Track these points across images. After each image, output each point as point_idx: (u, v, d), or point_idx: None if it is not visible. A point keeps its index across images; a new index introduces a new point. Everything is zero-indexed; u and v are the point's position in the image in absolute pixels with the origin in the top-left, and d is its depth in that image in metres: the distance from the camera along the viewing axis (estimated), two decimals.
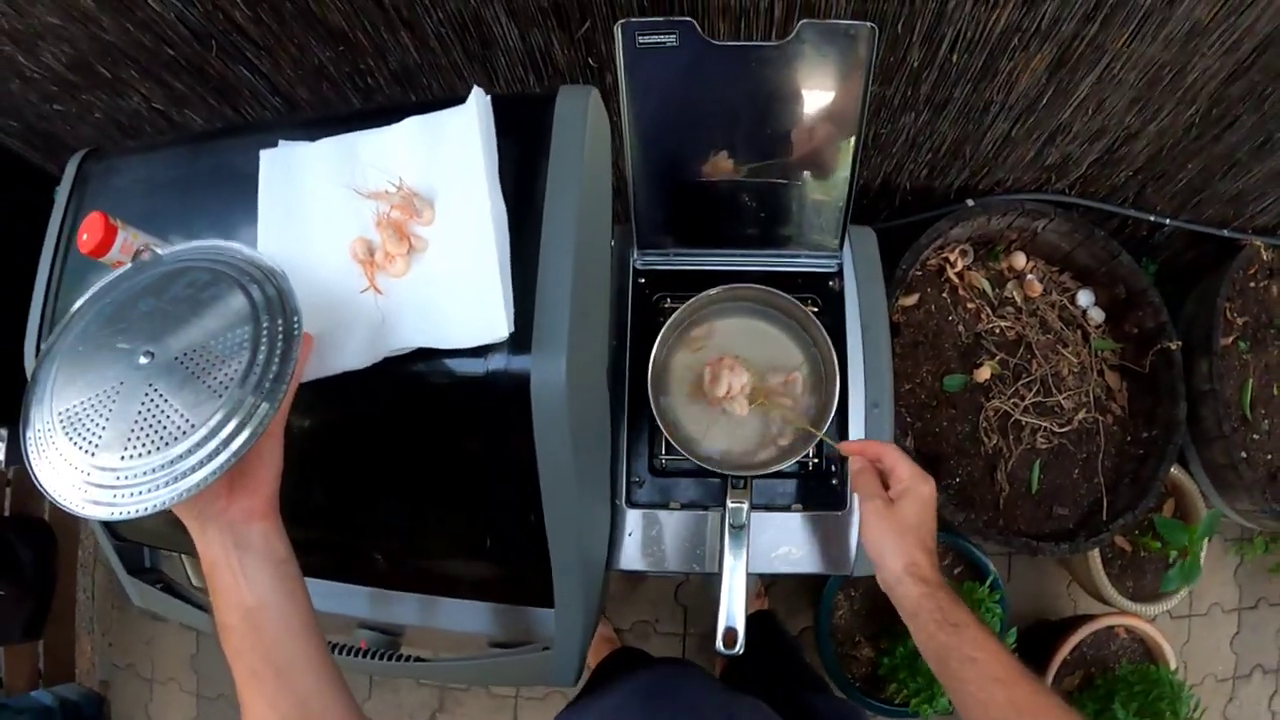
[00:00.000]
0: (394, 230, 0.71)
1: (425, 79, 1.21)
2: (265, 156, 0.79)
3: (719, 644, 0.84)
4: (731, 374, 0.93)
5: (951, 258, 1.41)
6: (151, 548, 1.10)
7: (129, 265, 0.74)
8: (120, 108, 1.43)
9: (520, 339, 0.69)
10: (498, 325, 0.68)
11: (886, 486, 0.80)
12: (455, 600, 0.94)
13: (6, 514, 1.96)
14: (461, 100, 0.76)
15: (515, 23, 1.07)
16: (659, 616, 1.77)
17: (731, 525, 0.86)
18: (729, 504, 0.87)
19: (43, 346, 0.82)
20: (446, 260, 0.71)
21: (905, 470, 0.79)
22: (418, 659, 0.94)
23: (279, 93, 1.29)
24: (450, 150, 0.73)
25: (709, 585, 1.66)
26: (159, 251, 0.74)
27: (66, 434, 0.58)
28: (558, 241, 0.71)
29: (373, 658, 0.94)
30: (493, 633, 0.97)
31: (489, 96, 0.74)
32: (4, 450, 1.45)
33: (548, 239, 0.71)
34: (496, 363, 0.70)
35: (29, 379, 0.65)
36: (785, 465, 0.90)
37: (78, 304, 0.69)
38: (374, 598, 0.97)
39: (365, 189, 0.74)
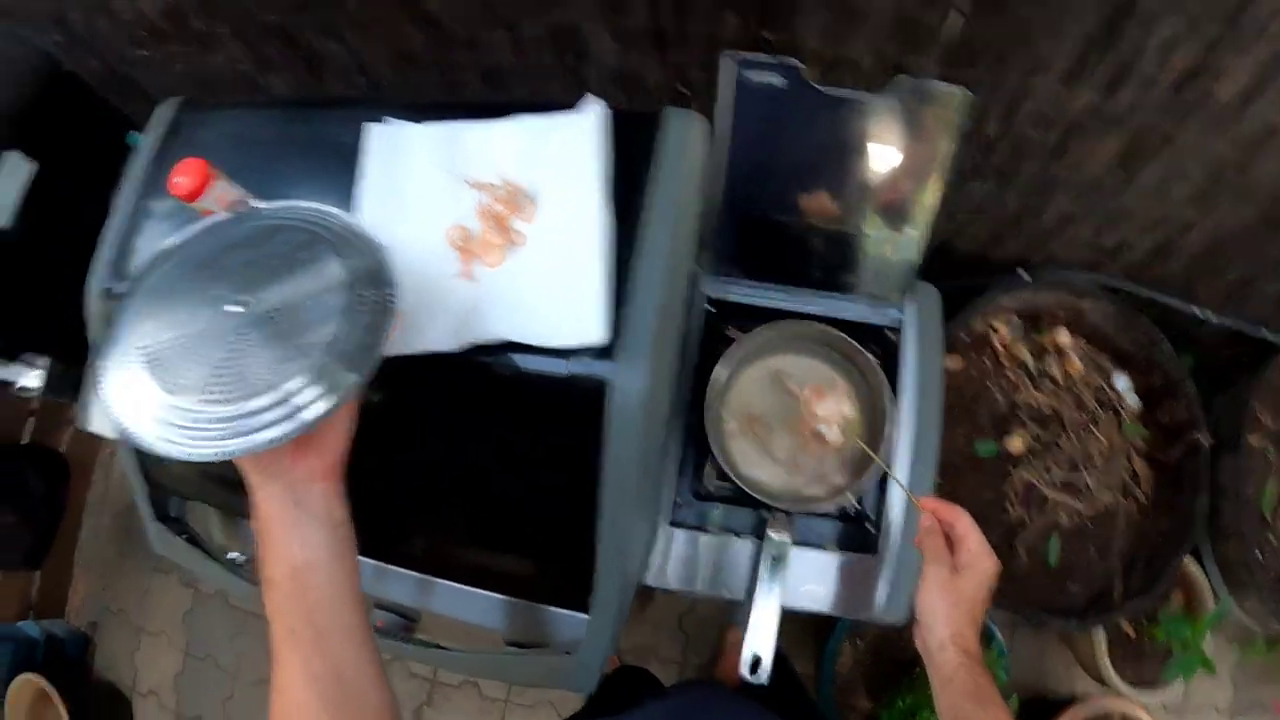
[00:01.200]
0: (495, 222, 0.73)
1: (513, 80, 1.23)
2: (372, 131, 0.81)
3: (744, 670, 0.85)
4: (838, 401, 0.96)
5: (998, 326, 1.43)
6: (182, 497, 1.11)
7: (224, 214, 0.75)
8: (205, 64, 1.45)
9: (606, 347, 0.71)
10: (594, 329, 0.70)
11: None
12: (483, 592, 0.95)
13: (25, 442, 1.98)
14: (557, 106, 0.78)
15: (615, 41, 1.10)
16: (660, 641, 1.77)
17: (771, 556, 0.87)
18: (772, 535, 0.88)
19: (126, 282, 0.83)
20: (546, 259, 0.73)
21: (975, 543, 0.78)
22: (438, 646, 0.95)
23: (366, 72, 1.32)
24: (561, 154, 0.75)
25: (731, 613, 1.67)
26: (257, 206, 0.76)
27: (146, 369, 0.58)
28: (653, 257, 0.73)
29: (388, 638, 0.94)
30: (511, 631, 0.97)
31: (608, 109, 0.76)
32: (41, 380, 1.46)
33: (644, 254, 0.73)
34: (579, 366, 0.72)
35: (111, 310, 0.65)
36: (831, 505, 0.91)
37: (167, 243, 0.69)
38: (400, 579, 0.97)
39: (470, 177, 0.76)
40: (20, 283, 1.37)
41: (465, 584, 0.95)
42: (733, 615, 1.68)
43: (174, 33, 1.38)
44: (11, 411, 1.93)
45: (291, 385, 0.56)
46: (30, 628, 2.04)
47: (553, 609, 0.93)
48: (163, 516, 1.09)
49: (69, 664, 2.08)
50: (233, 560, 1.10)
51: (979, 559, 0.77)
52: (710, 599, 1.01)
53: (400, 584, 0.98)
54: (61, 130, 1.36)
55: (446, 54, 1.21)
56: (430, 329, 0.72)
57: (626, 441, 0.72)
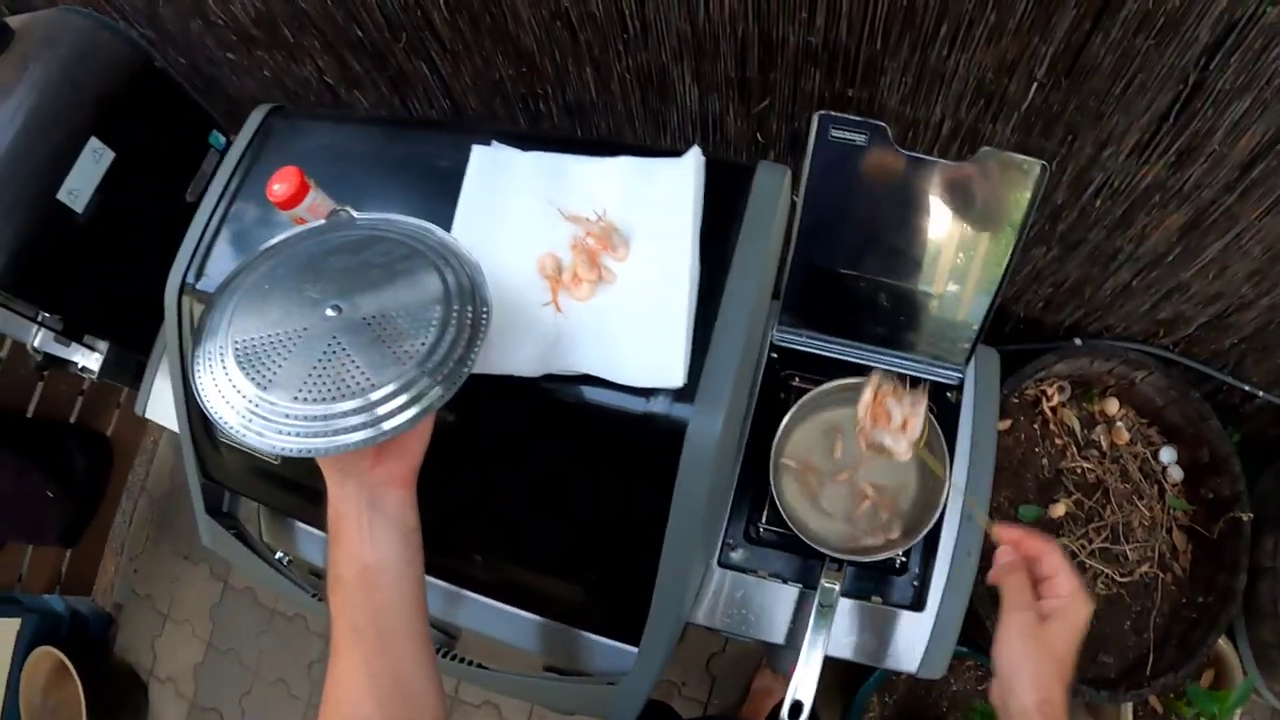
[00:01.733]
0: (587, 256, 0.75)
1: (595, 117, 1.26)
2: (478, 152, 0.83)
3: (784, 714, 0.86)
4: (909, 410, 0.86)
5: (1049, 392, 1.44)
6: (234, 492, 1.12)
7: (321, 221, 0.77)
8: (291, 72, 1.49)
9: (684, 390, 0.72)
10: (674, 373, 0.71)
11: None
12: (531, 615, 0.96)
13: (72, 421, 2.01)
14: (662, 152, 0.80)
15: (699, 86, 1.13)
16: (686, 680, 1.76)
17: (821, 604, 0.88)
18: (823, 583, 0.89)
19: (205, 278, 0.85)
20: (634, 298, 0.74)
21: (1067, 584, 0.65)
22: (479, 665, 0.95)
23: (450, 96, 1.36)
24: (659, 198, 0.77)
25: (772, 658, 1.66)
26: (355, 215, 0.77)
27: (239, 363, 0.60)
28: (737, 306, 0.74)
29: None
30: (551, 656, 0.98)
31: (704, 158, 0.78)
32: (99, 363, 1.50)
33: (728, 302, 0.74)
34: (658, 406, 0.74)
35: (207, 301, 0.67)
36: (883, 557, 0.92)
37: (266, 244, 0.72)
38: (446, 595, 0.99)
39: (567, 210, 0.78)
40: (89, 268, 1.40)
41: (514, 605, 0.96)
42: (772, 659, 1.66)
43: (264, 40, 1.43)
44: (63, 391, 1.97)
45: (382, 392, 0.58)
46: (56, 602, 2.07)
47: (598, 638, 0.93)
48: (213, 510, 1.10)
49: (90, 642, 2.11)
50: (279, 560, 1.12)
51: (1073, 604, 0.64)
52: (748, 641, 1.01)
53: (446, 600, 0.99)
54: (143, 122, 1.38)
55: (533, 87, 1.24)
56: (515, 353, 0.74)
57: (697, 484, 0.73)
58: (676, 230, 0.75)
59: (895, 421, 0.86)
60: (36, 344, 1.45)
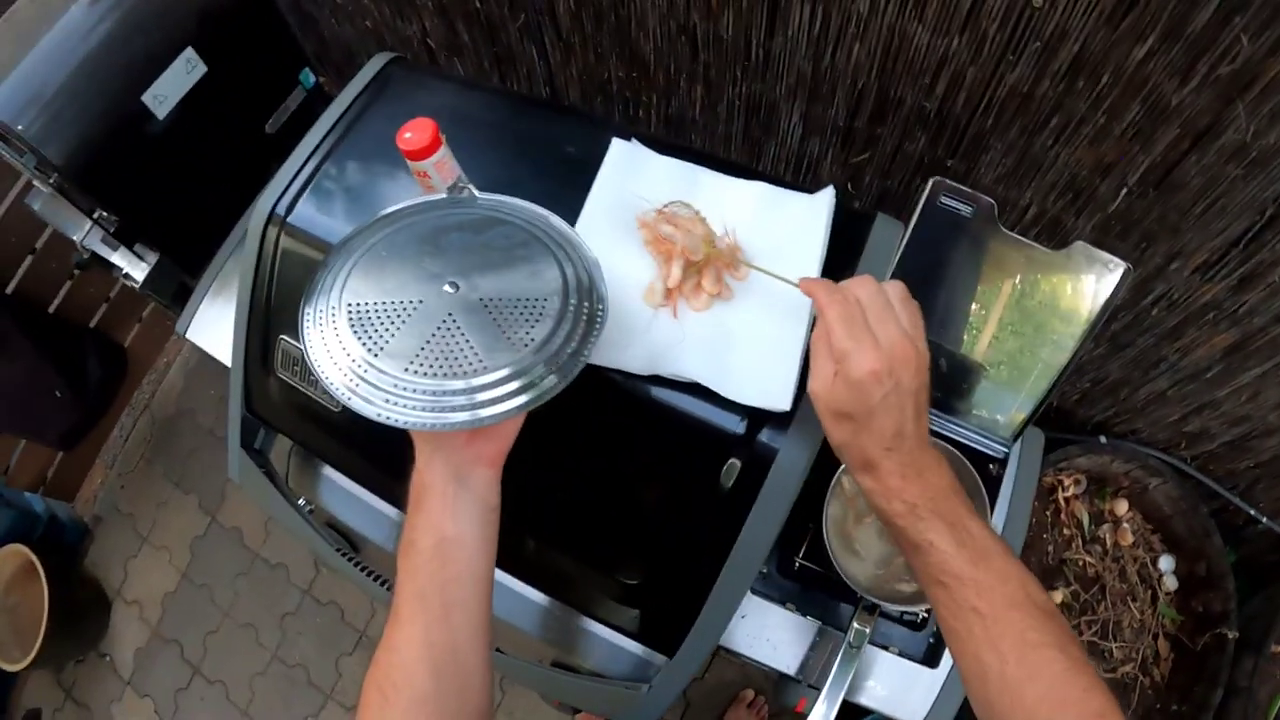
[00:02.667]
0: (713, 271, 0.77)
1: (693, 134, 1.28)
2: (617, 145, 0.85)
3: None
4: (681, 219, 0.78)
5: (1066, 482, 1.48)
6: (272, 428, 1.12)
7: (444, 195, 0.78)
8: (395, 28, 1.50)
9: (781, 418, 0.74)
10: (782, 397, 0.73)
11: None
12: (557, 608, 0.97)
13: (92, 326, 2.00)
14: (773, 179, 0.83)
15: (803, 125, 1.16)
16: None
17: (850, 644, 0.90)
18: (855, 625, 0.91)
19: (343, 237, 0.85)
20: (750, 318, 0.76)
21: (837, 332, 0.59)
22: (498, 650, 0.95)
23: (551, 84, 1.37)
24: (788, 227, 0.79)
25: (781, 691, 1.66)
26: (476, 194, 0.78)
27: (351, 325, 0.61)
28: None
29: None
30: (566, 651, 0.99)
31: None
32: (145, 273, 1.48)
33: None
34: (753, 429, 0.75)
35: (321, 262, 0.66)
36: (921, 607, 0.93)
37: (386, 210, 0.72)
38: None
39: None
40: (156, 176, 1.39)
41: (546, 594, 0.97)
42: (779, 691, 1.66)
43: None
44: (89, 294, 1.95)
45: (495, 375, 0.58)
46: (36, 501, 2.04)
47: (622, 641, 0.95)
48: (246, 445, 1.10)
49: (63, 548, 2.08)
50: (302, 507, 1.12)
51: (850, 353, 0.58)
52: (764, 668, 1.02)
53: None
54: (241, 45, 1.36)
55: (639, 93, 1.26)
56: (628, 349, 0.75)
57: (774, 510, 0.75)
58: (803, 263, 0.77)
59: (678, 246, 0.77)
60: (85, 241, 1.43)
